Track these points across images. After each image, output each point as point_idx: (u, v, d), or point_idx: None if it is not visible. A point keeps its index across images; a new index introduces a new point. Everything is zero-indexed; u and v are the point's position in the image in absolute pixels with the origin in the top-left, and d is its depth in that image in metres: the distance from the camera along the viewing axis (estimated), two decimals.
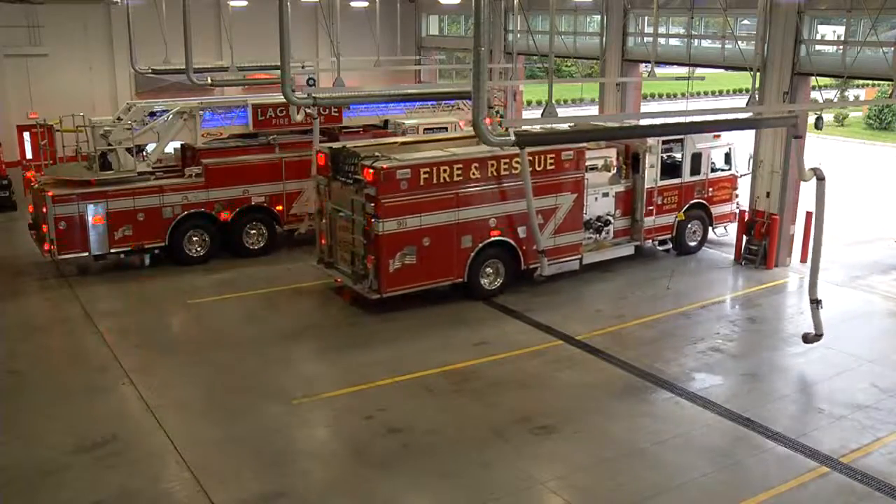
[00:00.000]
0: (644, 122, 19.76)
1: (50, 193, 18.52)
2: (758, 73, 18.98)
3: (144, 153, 20.47)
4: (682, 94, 34.50)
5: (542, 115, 15.65)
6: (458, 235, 17.22)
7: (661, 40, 23.27)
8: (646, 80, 23.84)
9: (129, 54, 25.17)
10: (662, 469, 11.46)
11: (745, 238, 20.54)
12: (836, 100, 21.81)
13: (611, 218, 19.75)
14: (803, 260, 20.64)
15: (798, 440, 12.16)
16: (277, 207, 21.01)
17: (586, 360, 15.07)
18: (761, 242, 20.11)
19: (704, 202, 21.15)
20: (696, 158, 20.70)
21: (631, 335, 16.23)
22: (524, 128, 19.49)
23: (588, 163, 18.92)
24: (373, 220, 16.34)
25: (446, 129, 22.93)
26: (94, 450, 11.86)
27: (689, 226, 20.92)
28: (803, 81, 19.36)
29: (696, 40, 22.54)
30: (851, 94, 57.30)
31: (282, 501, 10.68)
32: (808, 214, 21.20)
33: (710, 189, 21.20)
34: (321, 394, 13.62)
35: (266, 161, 20.80)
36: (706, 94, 59.31)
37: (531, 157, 17.31)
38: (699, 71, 23.63)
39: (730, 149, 21.38)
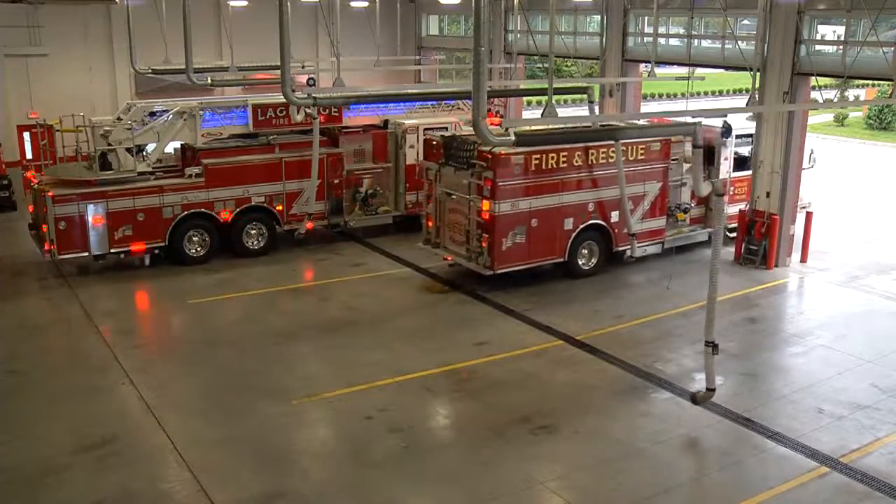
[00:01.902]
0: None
1: (50, 194, 18.51)
2: (758, 73, 18.99)
3: (144, 153, 20.46)
4: (682, 94, 34.52)
5: (542, 115, 15.65)
6: (561, 218, 18.62)
7: (661, 40, 23.26)
8: (646, 80, 23.84)
9: (129, 54, 25.10)
10: (662, 469, 11.47)
11: (745, 238, 20.59)
12: (836, 100, 21.86)
13: (689, 206, 20.93)
14: (803, 260, 20.68)
15: (798, 440, 12.16)
16: (277, 207, 21.04)
17: (586, 360, 15.07)
18: (761, 242, 20.13)
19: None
20: None
21: (631, 335, 16.23)
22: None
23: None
24: (489, 201, 17.56)
25: (446, 128, 22.95)
26: (94, 450, 11.86)
27: None
28: (803, 81, 19.35)
29: (696, 40, 22.55)
30: (851, 94, 57.26)
31: (282, 501, 10.69)
32: (809, 215, 21.26)
33: None
34: (321, 394, 13.62)
35: (266, 161, 20.79)
36: (706, 94, 59.32)
37: (624, 148, 18.75)
38: (699, 71, 23.63)
39: None
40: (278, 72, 17.30)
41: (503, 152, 17.40)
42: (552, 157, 18.01)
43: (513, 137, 13.88)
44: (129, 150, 19.45)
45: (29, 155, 27.43)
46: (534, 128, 17.90)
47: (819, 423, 12.70)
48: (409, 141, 22.55)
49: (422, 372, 14.41)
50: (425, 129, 22.55)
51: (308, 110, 20.51)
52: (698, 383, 14.05)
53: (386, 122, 23.22)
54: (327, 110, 21.87)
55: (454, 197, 18.71)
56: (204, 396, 13.70)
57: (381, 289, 18.88)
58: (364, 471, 11.44)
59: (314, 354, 15.47)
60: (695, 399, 13.05)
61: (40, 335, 16.34)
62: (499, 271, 17.95)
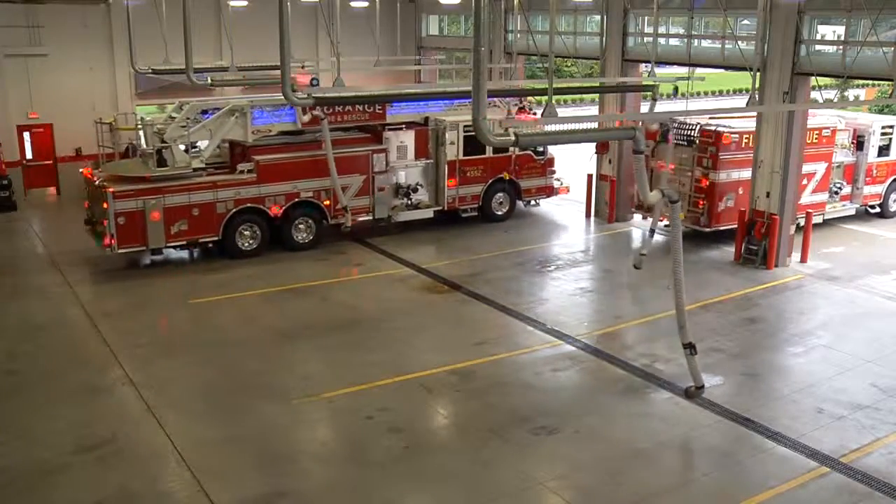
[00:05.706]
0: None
1: (111, 190, 18.86)
2: (758, 73, 18.97)
3: (196, 149, 20.83)
4: (682, 94, 34.55)
5: (541, 115, 15.62)
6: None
7: (661, 40, 23.23)
8: (646, 81, 23.80)
9: (129, 54, 25.10)
10: (662, 469, 11.47)
11: (745, 238, 20.61)
12: (836, 100, 21.99)
13: (842, 185, 24.02)
14: (803, 260, 20.67)
15: (798, 440, 12.16)
16: (325, 202, 21.45)
17: (586, 360, 15.07)
18: (761, 242, 20.13)
19: None
20: None
21: (631, 335, 16.23)
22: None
23: None
24: (710, 171, 21.31)
25: None
26: (94, 450, 11.87)
27: (892, 196, 25.07)
28: (803, 81, 19.34)
29: (696, 40, 22.54)
30: (851, 94, 57.19)
31: (282, 501, 10.69)
32: (809, 215, 21.24)
33: None
34: (321, 394, 13.62)
35: (314, 157, 21.23)
36: (706, 94, 59.24)
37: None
38: (699, 71, 23.62)
39: None
40: (278, 72, 17.28)
41: (724, 132, 20.85)
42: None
43: (513, 137, 13.85)
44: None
45: (29, 155, 27.46)
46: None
47: (819, 423, 12.70)
48: (448, 137, 23.10)
49: (422, 372, 14.41)
50: (464, 126, 22.92)
51: (315, 111, 20.92)
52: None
53: (426, 119, 23.70)
54: (371, 108, 22.46)
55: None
56: (204, 396, 13.71)
57: (382, 289, 18.88)
58: (364, 471, 11.44)
59: (314, 354, 15.47)
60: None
61: (40, 335, 16.33)
62: (714, 228, 21.62)
